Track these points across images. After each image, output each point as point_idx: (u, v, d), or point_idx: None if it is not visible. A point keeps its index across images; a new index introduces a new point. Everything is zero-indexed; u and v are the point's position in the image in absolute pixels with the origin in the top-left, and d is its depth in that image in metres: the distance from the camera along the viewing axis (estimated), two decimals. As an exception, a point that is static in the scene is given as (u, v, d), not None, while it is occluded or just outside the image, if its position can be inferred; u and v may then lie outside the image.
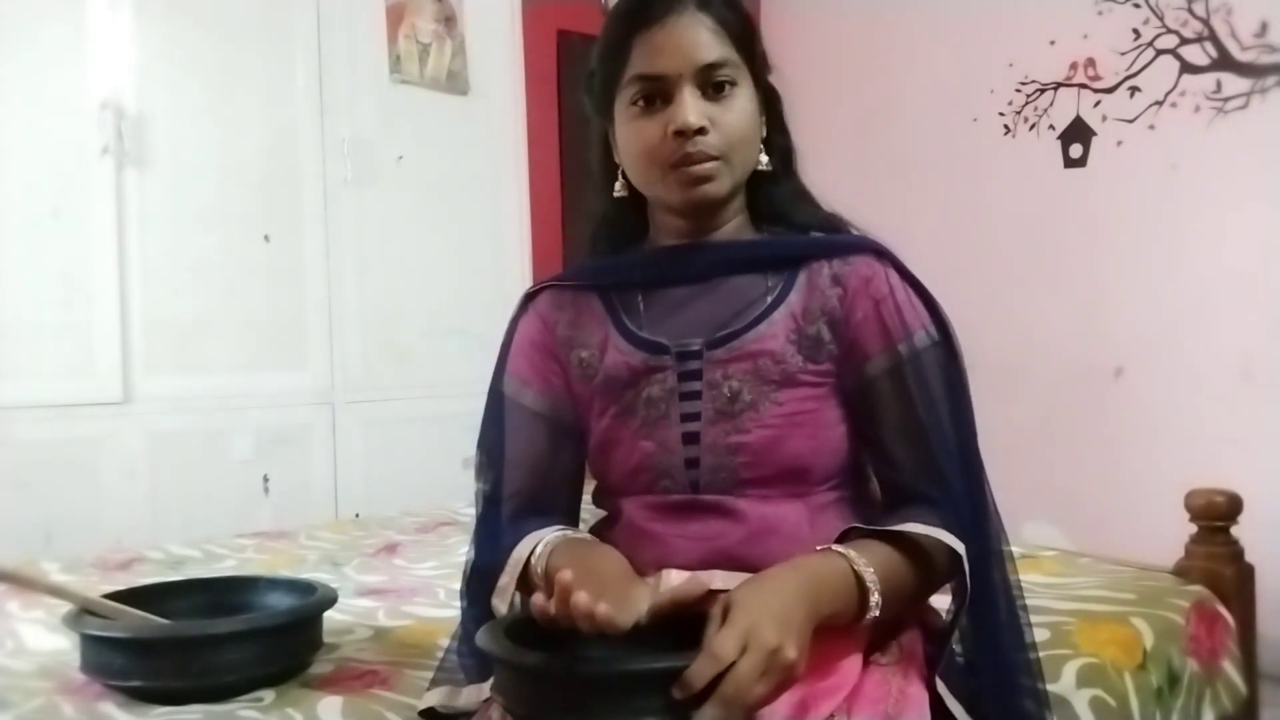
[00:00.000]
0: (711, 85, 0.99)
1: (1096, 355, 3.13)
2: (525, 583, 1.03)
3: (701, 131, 0.97)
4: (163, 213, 2.67)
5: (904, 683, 0.94)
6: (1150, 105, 3.00)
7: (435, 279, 3.13)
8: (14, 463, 2.45)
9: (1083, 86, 3.16)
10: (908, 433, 1.00)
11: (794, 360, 1.01)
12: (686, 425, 1.03)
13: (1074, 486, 3.15)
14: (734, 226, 1.07)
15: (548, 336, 1.11)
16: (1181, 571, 1.58)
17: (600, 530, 1.10)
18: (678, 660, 0.77)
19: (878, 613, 0.90)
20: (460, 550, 1.63)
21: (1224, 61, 2.85)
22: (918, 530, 0.94)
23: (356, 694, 1.13)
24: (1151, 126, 3.01)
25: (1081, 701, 1.22)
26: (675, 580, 0.99)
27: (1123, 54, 3.05)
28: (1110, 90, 3.10)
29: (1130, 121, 3.05)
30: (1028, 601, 1.03)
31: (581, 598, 0.75)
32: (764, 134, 1.05)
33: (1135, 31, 3.02)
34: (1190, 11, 2.90)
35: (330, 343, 2.94)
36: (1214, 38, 2.86)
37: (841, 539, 0.95)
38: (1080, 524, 3.03)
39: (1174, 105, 2.95)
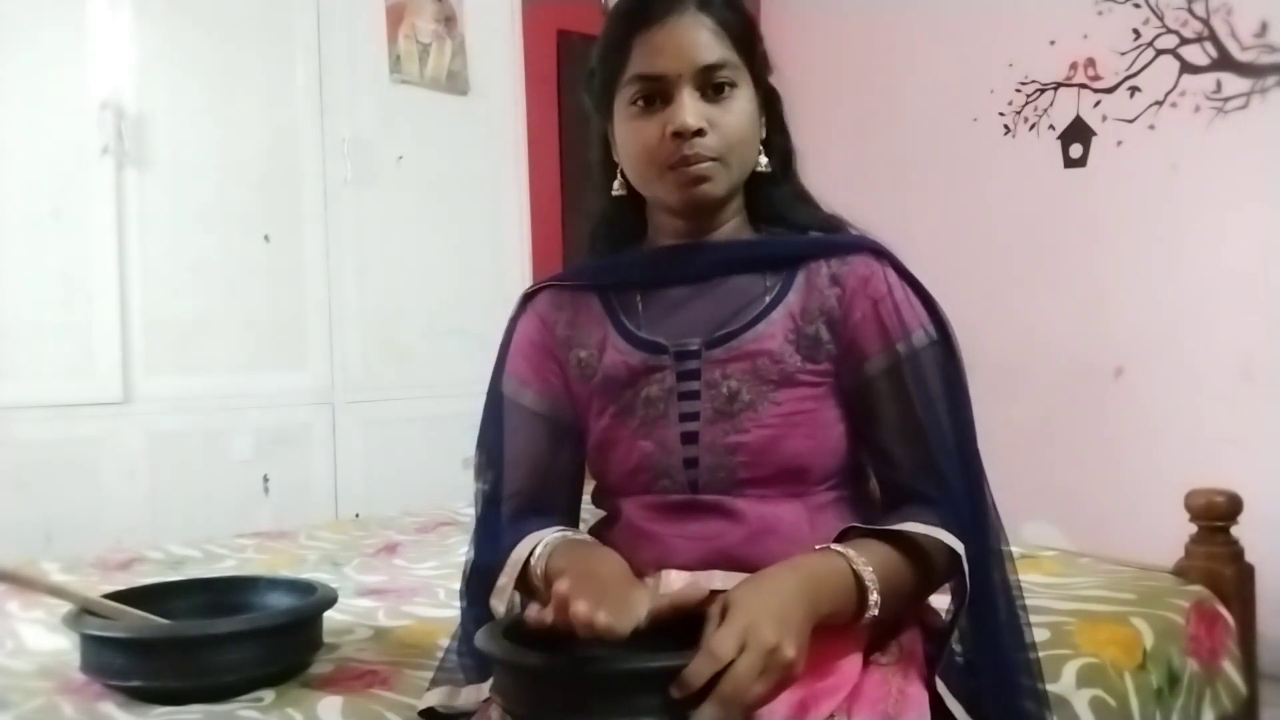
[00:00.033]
0: (711, 86, 0.99)
1: (1096, 355, 3.13)
2: (525, 583, 1.03)
3: (700, 133, 0.97)
4: (163, 213, 2.67)
5: (904, 683, 0.94)
6: (1150, 105, 3.00)
7: (435, 279, 3.13)
8: (14, 463, 2.45)
9: (1083, 86, 3.16)
10: (906, 432, 1.00)
11: (792, 360, 1.01)
12: (685, 425, 1.03)
13: (1074, 486, 3.15)
14: (732, 227, 1.07)
15: (546, 336, 1.11)
16: (1181, 571, 1.58)
17: (599, 530, 1.10)
18: (676, 659, 0.77)
19: (877, 612, 0.90)
20: (460, 550, 1.63)
21: (1224, 61, 2.85)
22: (917, 530, 0.94)
23: (356, 694, 1.13)
24: (1151, 126, 3.01)
25: (1081, 701, 1.22)
26: (675, 580, 0.99)
27: (1123, 54, 3.05)
28: (1110, 90, 3.10)
29: (1130, 121, 3.05)
30: (1028, 601, 1.03)
31: (580, 608, 0.75)
32: (763, 135, 1.05)
33: (1135, 31, 3.02)
34: (1190, 11, 2.90)
35: (330, 343, 2.94)
36: (1214, 38, 2.86)
37: (840, 538, 0.95)
38: (1080, 524, 3.03)
39: (1174, 105, 2.95)
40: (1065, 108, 3.21)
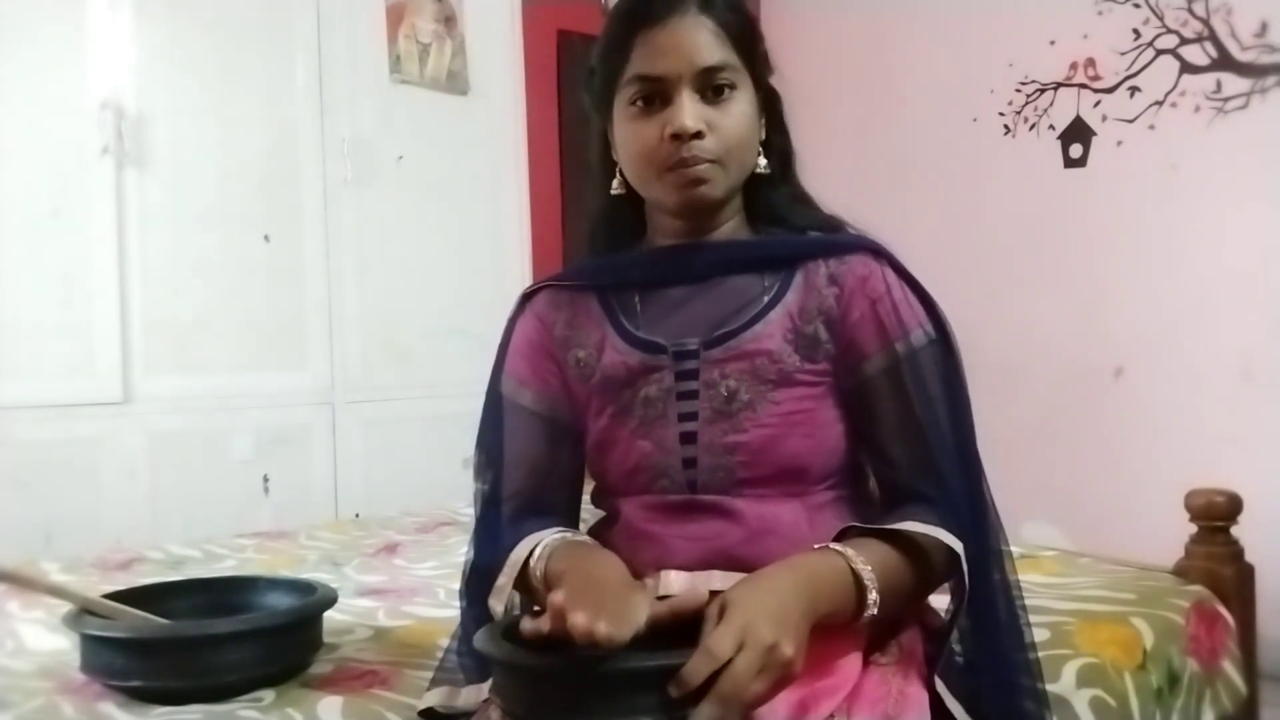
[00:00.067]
0: (711, 88, 0.99)
1: (1096, 355, 3.13)
2: (524, 584, 1.03)
3: (698, 135, 0.97)
4: (163, 213, 2.67)
5: (904, 683, 0.94)
6: (1150, 105, 3.00)
7: (435, 279, 3.13)
8: (14, 463, 2.45)
9: (1083, 86, 3.16)
10: (905, 432, 1.00)
11: (791, 360, 1.01)
12: (684, 425, 1.03)
13: (1074, 486, 3.15)
14: (731, 228, 1.07)
15: (545, 336, 1.11)
16: (1181, 571, 1.58)
17: (599, 531, 1.10)
18: (674, 658, 0.77)
19: (876, 611, 0.90)
20: (460, 550, 1.63)
21: (1224, 61, 2.85)
22: (915, 529, 0.94)
23: (356, 694, 1.13)
24: (1151, 126, 3.01)
25: (1081, 701, 1.21)
26: (674, 580, 0.99)
27: (1123, 54, 3.05)
28: (1110, 90, 3.10)
29: (1130, 121, 3.05)
30: (1028, 601, 1.02)
31: (579, 619, 0.75)
32: (763, 136, 1.05)
33: (1135, 31, 3.02)
34: (1190, 11, 2.90)
35: (330, 343, 2.94)
36: (1214, 38, 2.86)
37: (839, 537, 0.95)
38: (1080, 524, 3.03)
39: (1174, 105, 2.95)
40: (1065, 108, 3.21)
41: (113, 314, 2.59)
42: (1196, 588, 1.52)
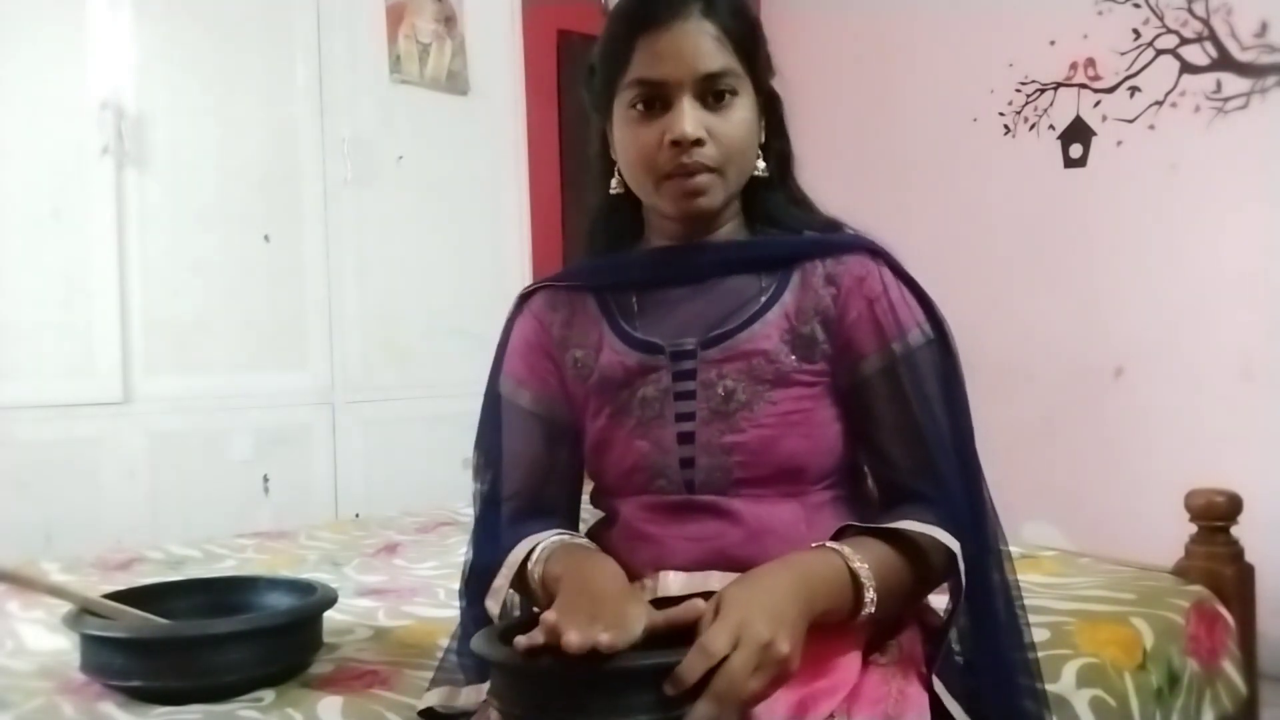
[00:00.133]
0: (712, 93, 0.98)
1: (1096, 355, 3.13)
2: (522, 585, 1.03)
3: (698, 143, 0.97)
4: (163, 213, 2.67)
5: (904, 683, 0.94)
6: (1150, 105, 3.00)
7: (435, 279, 3.13)
8: (14, 463, 2.45)
9: (1083, 86, 3.16)
10: (903, 431, 1.00)
11: (788, 360, 1.01)
12: (681, 425, 1.03)
13: (1074, 486, 3.15)
14: (729, 230, 1.07)
15: (543, 336, 1.11)
16: (1181, 571, 1.58)
17: (598, 531, 1.10)
18: (670, 657, 0.77)
19: (873, 610, 0.90)
20: (460, 550, 1.63)
21: (1224, 61, 2.85)
22: (913, 528, 0.94)
23: (356, 694, 1.13)
24: (1151, 126, 3.01)
25: (1081, 701, 1.21)
26: (672, 581, 0.99)
27: (1123, 54, 3.05)
28: (1110, 90, 3.10)
29: (1130, 121, 3.05)
30: (1028, 601, 1.03)
31: (572, 640, 0.75)
32: (762, 139, 1.05)
33: (1135, 31, 3.02)
34: (1190, 11, 2.90)
35: (330, 343, 2.94)
36: (1214, 38, 2.86)
37: (836, 536, 0.95)
38: (1080, 524, 3.03)
39: (1174, 105, 2.95)
40: (1065, 108, 3.21)
41: (113, 314, 2.59)
42: (1196, 588, 1.52)
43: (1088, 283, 3.17)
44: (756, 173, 1.05)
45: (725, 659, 0.77)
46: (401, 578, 1.76)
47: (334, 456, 2.93)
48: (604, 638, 0.75)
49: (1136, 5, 3.01)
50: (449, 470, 2.75)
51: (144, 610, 1.20)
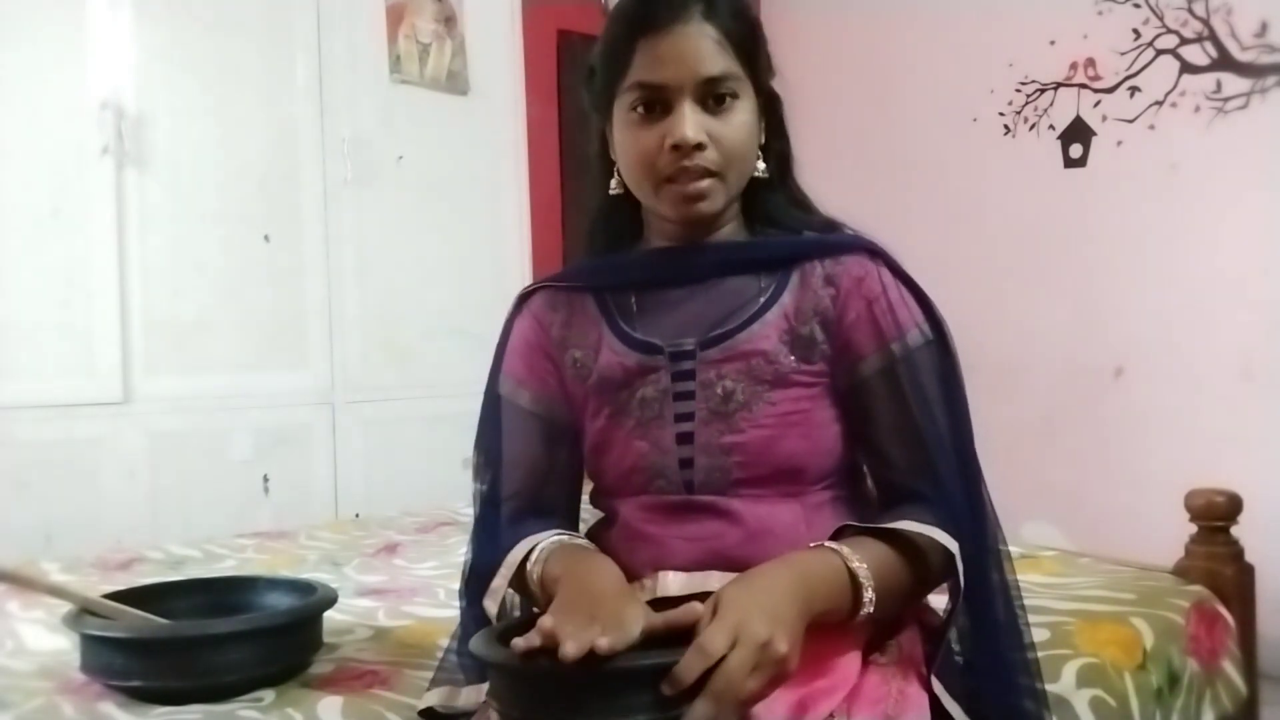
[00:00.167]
0: (712, 97, 0.98)
1: (1096, 355, 3.13)
2: (521, 585, 1.03)
3: (699, 147, 0.97)
4: (163, 213, 2.67)
5: (903, 683, 0.94)
6: (1150, 105, 3.00)
7: (435, 279, 3.13)
8: (14, 463, 2.45)
9: (1083, 86, 3.16)
10: (902, 432, 1.00)
11: (786, 360, 1.01)
12: (680, 425, 1.03)
13: (1074, 486, 3.15)
14: (729, 231, 1.07)
15: (542, 337, 1.11)
16: (1181, 571, 1.58)
17: (597, 532, 1.10)
18: (668, 657, 0.77)
19: (871, 609, 0.90)
20: (460, 550, 1.63)
21: (1224, 61, 2.85)
22: (911, 528, 0.94)
23: (356, 694, 1.13)
24: (1151, 126, 3.01)
25: (1081, 701, 1.21)
26: (671, 581, 0.99)
27: (1123, 54, 3.05)
28: (1110, 90, 3.10)
29: (1130, 121, 3.05)
30: (1028, 601, 1.02)
31: (569, 650, 0.75)
32: (762, 140, 1.04)
33: (1135, 31, 3.02)
34: (1190, 11, 2.90)
35: (330, 343, 2.94)
36: (1214, 38, 2.86)
37: (835, 536, 0.95)
38: (1080, 524, 3.03)
39: (1174, 105, 2.95)
40: (1065, 108, 3.21)
41: (113, 314, 2.59)
42: (1196, 588, 1.52)
43: (1087, 283, 3.17)
44: (757, 174, 1.05)
45: (723, 658, 0.77)
46: (401, 578, 1.76)
47: (334, 456, 2.93)
48: (602, 641, 0.75)
49: (1136, 5, 3.01)
50: (449, 470, 2.75)
51: (144, 610, 1.20)
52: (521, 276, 3.21)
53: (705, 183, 0.98)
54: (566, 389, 1.10)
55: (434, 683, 1.08)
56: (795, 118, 1.09)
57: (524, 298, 1.15)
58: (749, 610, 0.80)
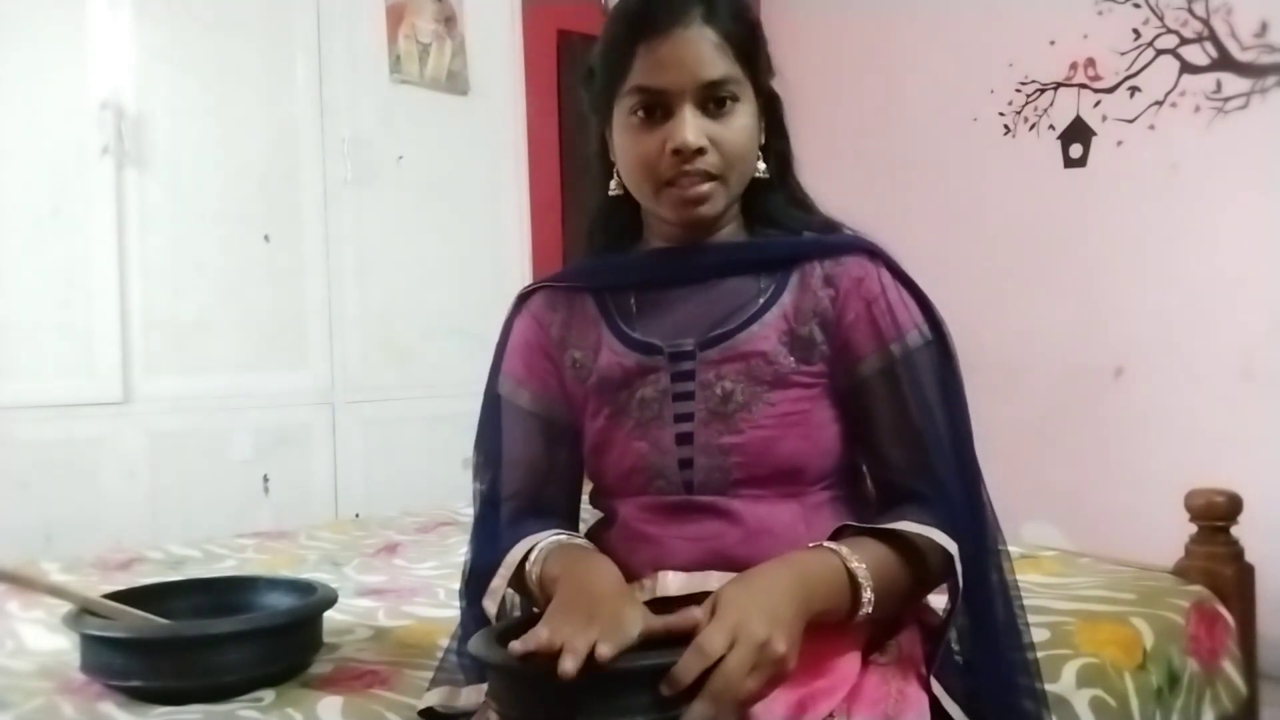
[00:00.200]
0: (713, 101, 0.98)
1: (1096, 355, 3.13)
2: (520, 586, 1.03)
3: (700, 151, 0.97)
4: (163, 213, 2.67)
5: (903, 683, 0.94)
6: (1150, 105, 3.00)
7: (435, 279, 3.13)
8: (14, 463, 2.45)
9: (1083, 86, 3.16)
10: (901, 433, 1.00)
11: (786, 361, 1.01)
12: (680, 426, 1.03)
13: (1074, 486, 3.15)
14: (729, 232, 1.07)
15: (542, 337, 1.11)
16: (1181, 571, 1.58)
17: (597, 532, 1.10)
18: (666, 657, 0.77)
19: (870, 610, 0.90)
20: (460, 550, 1.63)
21: (1224, 61, 2.85)
22: (910, 529, 0.94)
23: (356, 694, 1.13)
24: (1151, 126, 3.01)
25: (1081, 701, 1.22)
26: (671, 581, 0.99)
27: (1123, 54, 3.05)
28: (1110, 90, 3.10)
29: (1130, 121, 3.05)
30: (1028, 601, 1.03)
31: (568, 665, 0.74)
32: (762, 140, 1.04)
33: (1135, 31, 3.02)
34: (1190, 11, 2.90)
35: (330, 343, 2.94)
36: (1214, 38, 2.86)
37: (834, 536, 0.95)
38: (1080, 524, 3.03)
39: (1174, 105, 2.95)
40: (1065, 108, 3.21)
41: (113, 314, 2.59)
42: (1196, 588, 1.52)
43: (1087, 283, 3.17)
44: (757, 174, 1.05)
45: (721, 659, 0.77)
46: (401, 578, 1.76)
47: (334, 456, 2.93)
48: (604, 649, 0.75)
49: (1136, 5, 3.01)
50: (449, 470, 2.75)
51: (144, 610, 1.20)
52: (521, 276, 3.21)
53: (706, 186, 0.98)
54: (566, 389, 1.10)
55: (434, 683, 1.08)
56: (795, 118, 1.09)
57: (523, 298, 1.15)
58: (748, 610, 0.80)
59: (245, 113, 2.81)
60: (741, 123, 0.99)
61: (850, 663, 0.94)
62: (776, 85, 1.08)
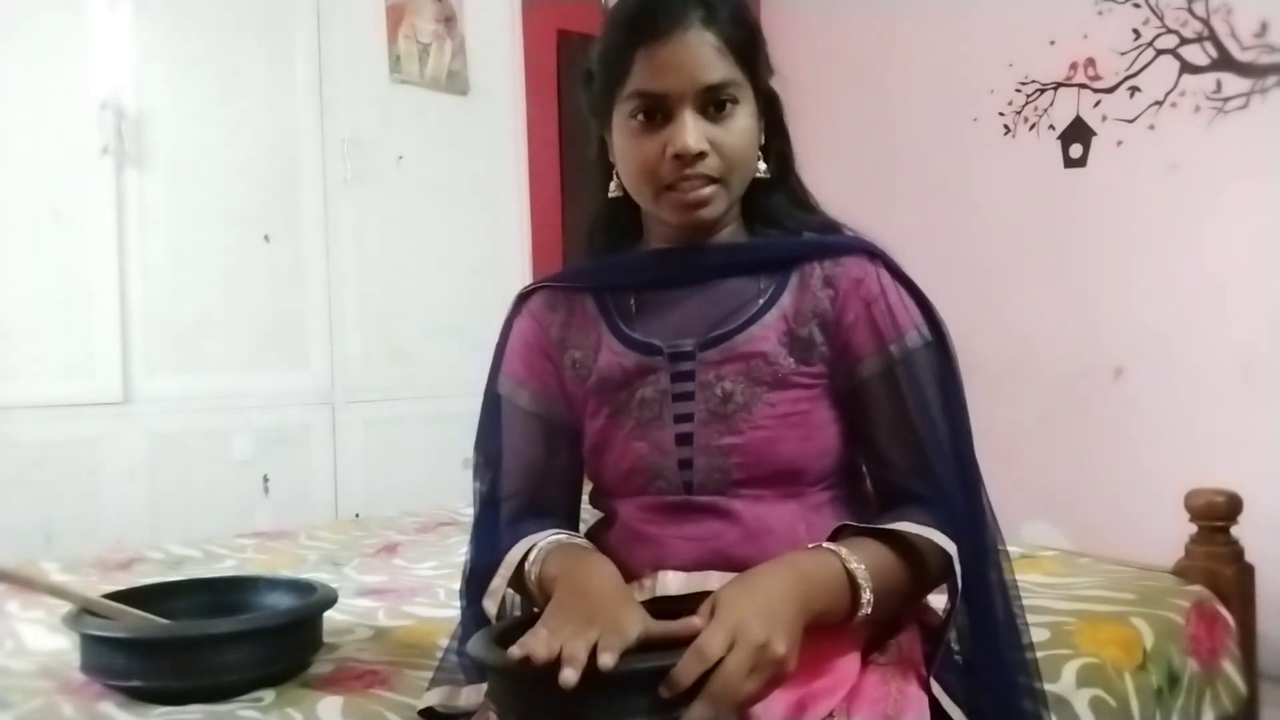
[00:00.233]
0: (713, 104, 0.98)
1: (1096, 355, 3.13)
2: (520, 586, 1.03)
3: (701, 155, 0.97)
4: (163, 213, 2.67)
5: (903, 682, 0.94)
6: (1150, 105, 3.00)
7: (435, 279, 3.13)
8: (14, 463, 2.45)
9: (1083, 86, 3.16)
10: (901, 433, 1.00)
11: (785, 362, 1.01)
12: (680, 426, 1.03)
13: (1074, 486, 3.15)
14: (729, 233, 1.07)
15: (542, 337, 1.11)
16: (1181, 571, 1.58)
17: (597, 532, 1.10)
18: (666, 659, 0.77)
19: (869, 610, 0.90)
20: (460, 550, 1.63)
21: (1224, 61, 2.85)
22: (910, 529, 0.94)
23: (356, 694, 1.13)
24: (1151, 126, 3.01)
25: (1081, 701, 1.22)
26: (671, 581, 0.99)
27: (1123, 54, 3.05)
28: (1110, 90, 3.10)
29: (1130, 121, 3.05)
30: (1028, 601, 1.03)
31: (568, 676, 0.74)
32: (762, 140, 1.04)
33: (1135, 31, 3.02)
34: (1190, 11, 2.90)
35: (330, 343, 2.94)
36: (1214, 38, 2.86)
37: (833, 537, 0.95)
38: (1080, 524, 3.03)
39: (1174, 105, 2.95)
40: (1065, 108, 3.21)
41: (113, 314, 2.59)
42: (1196, 588, 1.52)
43: (1088, 283, 3.17)
44: (758, 174, 1.04)
45: (721, 660, 0.77)
46: (401, 578, 1.76)
47: (334, 456, 2.93)
48: (605, 659, 0.75)
49: (1136, 5, 3.01)
50: (449, 470, 2.76)
51: (144, 610, 1.20)
52: (521, 276, 3.21)
53: (707, 190, 0.98)
54: (566, 389, 1.10)
55: (434, 683, 1.08)
56: (795, 118, 1.09)
57: (523, 297, 1.15)
58: (747, 612, 0.80)
59: (245, 113, 2.81)
60: (742, 125, 0.99)
61: (850, 662, 0.95)
62: (776, 85, 1.07)
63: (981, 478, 1.00)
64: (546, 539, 1.02)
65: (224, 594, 1.31)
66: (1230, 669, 1.49)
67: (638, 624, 0.82)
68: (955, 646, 0.99)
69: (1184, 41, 2.92)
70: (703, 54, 0.96)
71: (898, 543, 0.94)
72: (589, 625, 0.80)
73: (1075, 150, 3.20)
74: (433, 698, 1.05)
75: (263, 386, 2.83)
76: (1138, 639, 1.35)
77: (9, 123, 2.48)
